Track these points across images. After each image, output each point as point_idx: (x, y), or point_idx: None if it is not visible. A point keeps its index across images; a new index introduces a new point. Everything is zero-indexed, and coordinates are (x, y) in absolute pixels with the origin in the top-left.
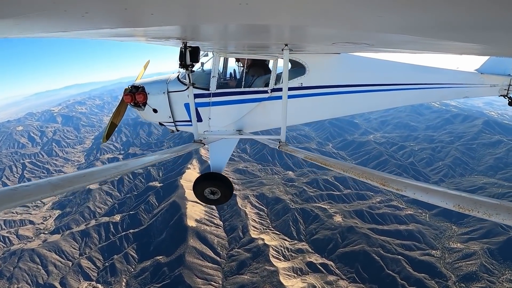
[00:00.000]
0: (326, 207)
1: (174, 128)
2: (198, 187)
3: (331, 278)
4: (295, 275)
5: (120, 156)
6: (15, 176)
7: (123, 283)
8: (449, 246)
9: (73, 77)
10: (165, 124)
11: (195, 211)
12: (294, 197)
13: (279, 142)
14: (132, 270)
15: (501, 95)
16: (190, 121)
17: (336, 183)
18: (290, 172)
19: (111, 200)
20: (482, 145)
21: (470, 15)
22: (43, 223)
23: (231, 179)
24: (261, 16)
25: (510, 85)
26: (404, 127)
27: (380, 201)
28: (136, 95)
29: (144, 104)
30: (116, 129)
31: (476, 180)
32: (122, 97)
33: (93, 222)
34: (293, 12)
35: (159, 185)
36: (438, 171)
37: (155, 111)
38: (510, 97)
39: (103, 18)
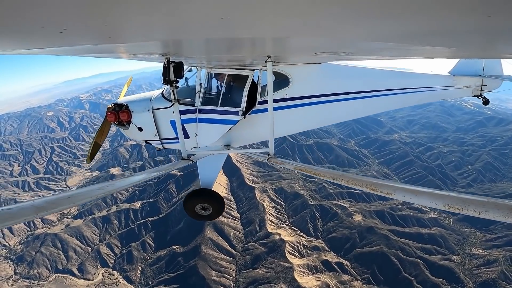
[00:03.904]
0: (346, 205)
1: (160, 146)
2: (188, 204)
3: (345, 277)
4: (310, 272)
5: (142, 143)
6: (44, 159)
7: (138, 271)
8: (470, 252)
9: (100, 66)
10: (151, 142)
11: None
12: (313, 193)
13: (268, 155)
14: (148, 258)
15: (474, 96)
16: (177, 138)
17: None
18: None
19: (132, 186)
20: None
21: (439, 20)
22: None
23: (250, 171)
24: (243, 30)
25: (482, 85)
26: (432, 128)
27: (402, 203)
28: (119, 113)
29: (129, 122)
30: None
31: (507, 187)
32: (105, 116)
33: (114, 208)
34: (274, 24)
35: (179, 174)
36: (467, 175)
37: (140, 129)
38: (484, 96)
39: (82, 34)
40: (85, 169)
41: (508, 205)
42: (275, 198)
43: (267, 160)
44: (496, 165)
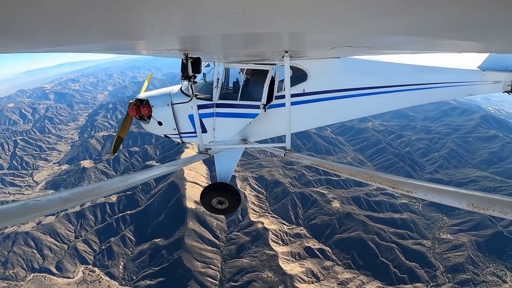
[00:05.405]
0: (324, 192)
1: (179, 140)
2: (205, 197)
3: (327, 263)
4: (294, 259)
5: (115, 134)
6: (7, 153)
7: (121, 267)
8: (439, 237)
9: (66, 55)
10: (170, 136)
11: (195, 192)
12: (293, 180)
13: (285, 150)
14: (130, 253)
15: (505, 91)
16: (195, 132)
17: None
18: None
19: (106, 179)
20: (478, 139)
21: (468, 13)
22: None
23: None
24: (259, 24)
25: None
26: (402, 116)
27: (377, 189)
28: (140, 108)
29: (149, 117)
30: (115, 108)
31: (470, 172)
32: (127, 111)
33: (88, 203)
34: (291, 19)
35: (156, 164)
36: (433, 161)
37: (160, 123)
38: None
39: (105, 31)
40: (53, 163)
41: None
42: (256, 187)
43: (284, 155)
44: (460, 152)
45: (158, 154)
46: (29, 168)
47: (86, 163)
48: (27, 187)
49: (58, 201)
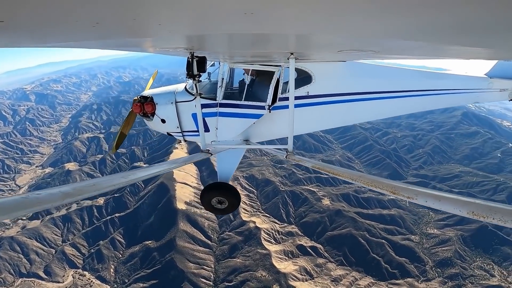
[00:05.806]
0: (314, 190)
1: (182, 138)
2: (205, 196)
3: (320, 261)
4: (287, 258)
5: (101, 135)
6: None
7: (111, 270)
8: (426, 232)
9: (47, 55)
10: (173, 134)
11: (185, 193)
12: (283, 179)
13: (286, 152)
14: (120, 256)
15: (511, 100)
16: (198, 131)
17: None
18: (279, 154)
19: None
20: (460, 135)
21: (476, 18)
22: None
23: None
24: (266, 25)
25: None
26: None
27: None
28: (144, 105)
29: (153, 114)
30: (98, 109)
31: (453, 168)
32: (131, 108)
33: (74, 206)
34: (298, 21)
35: (144, 165)
36: (418, 158)
37: (163, 121)
38: None
39: (113, 28)
40: (36, 166)
41: None
42: (246, 186)
43: (285, 157)
44: (443, 148)
45: (146, 155)
46: (11, 172)
47: (71, 166)
48: (9, 191)
49: (59, 195)
